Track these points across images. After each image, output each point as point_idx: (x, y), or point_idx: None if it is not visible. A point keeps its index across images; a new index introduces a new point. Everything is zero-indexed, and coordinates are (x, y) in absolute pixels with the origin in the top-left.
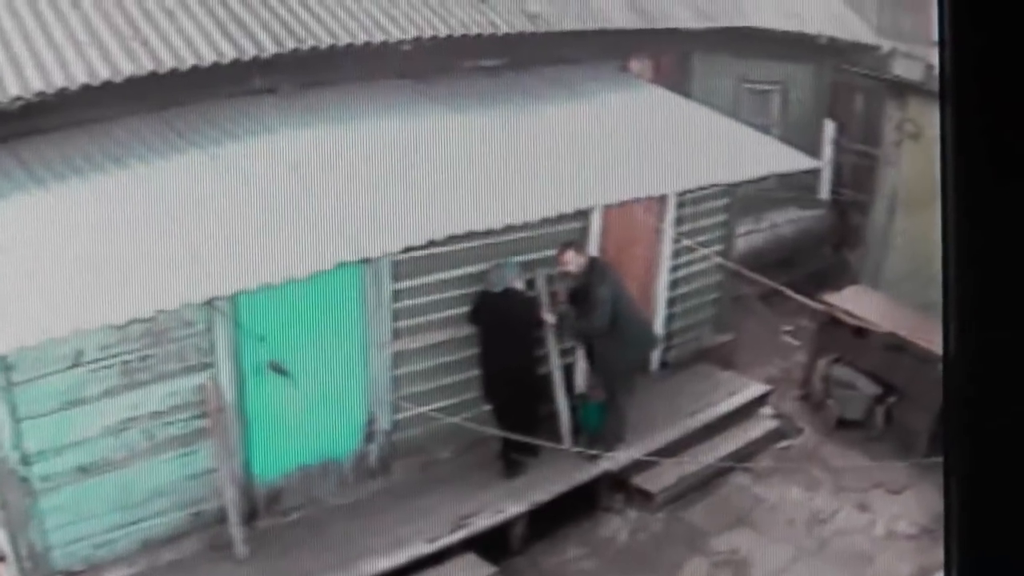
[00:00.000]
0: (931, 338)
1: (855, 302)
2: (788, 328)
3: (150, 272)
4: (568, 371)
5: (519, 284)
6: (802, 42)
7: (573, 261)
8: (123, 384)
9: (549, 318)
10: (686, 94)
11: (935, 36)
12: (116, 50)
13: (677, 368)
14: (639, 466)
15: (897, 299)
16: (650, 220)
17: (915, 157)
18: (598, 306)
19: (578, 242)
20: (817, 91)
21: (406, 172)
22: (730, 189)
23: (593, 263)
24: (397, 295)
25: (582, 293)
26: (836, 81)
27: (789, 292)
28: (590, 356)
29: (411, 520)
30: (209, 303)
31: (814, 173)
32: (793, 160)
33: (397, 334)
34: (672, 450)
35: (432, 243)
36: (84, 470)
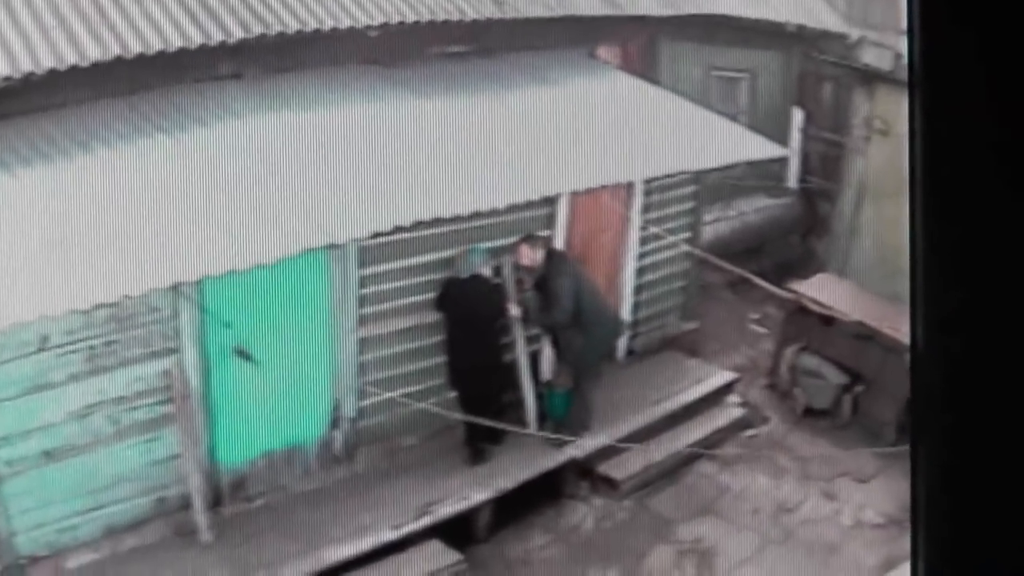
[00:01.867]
0: (899, 327)
1: (822, 291)
2: (755, 316)
3: (116, 257)
4: (534, 359)
5: (486, 271)
6: (770, 30)
7: (528, 255)
8: (88, 369)
9: (513, 308)
10: (654, 81)
11: (904, 25)
12: (83, 34)
13: (643, 356)
14: (605, 454)
15: (864, 288)
16: (617, 207)
17: (883, 147)
18: (559, 298)
19: (533, 236)
20: (785, 79)
21: (372, 158)
22: (698, 177)
23: (551, 255)
24: (364, 281)
25: (543, 285)
26: (804, 69)
27: (756, 280)
28: (556, 345)
29: (376, 507)
30: (175, 288)
31: (782, 161)
32: (761, 148)
33: (363, 320)
34: (638, 438)
35: (399, 229)
36: (49, 455)
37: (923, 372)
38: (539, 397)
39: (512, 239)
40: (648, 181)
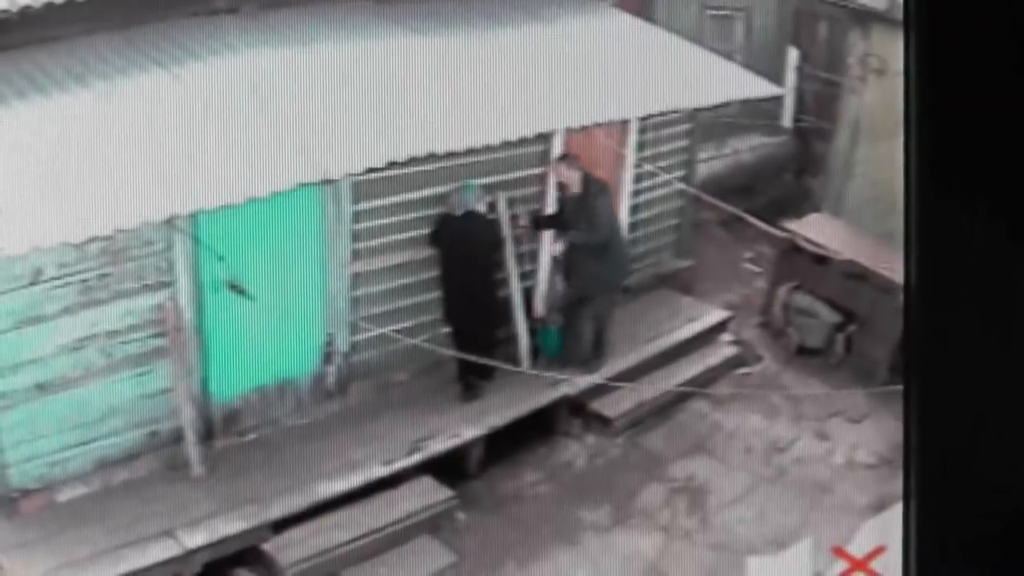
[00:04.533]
0: (892, 267)
1: (816, 230)
2: (749, 255)
3: (109, 190)
4: (528, 295)
5: (481, 207)
6: None
7: (565, 174)
8: (81, 302)
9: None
10: (649, 19)
11: None
12: None
13: (637, 293)
14: (597, 391)
15: (859, 227)
16: (612, 145)
17: (879, 87)
18: (599, 217)
19: (569, 156)
20: (781, 18)
21: (367, 93)
22: (692, 115)
23: (587, 177)
24: (357, 216)
25: (579, 206)
26: (800, 8)
27: (750, 219)
28: (567, 275)
29: (367, 442)
30: (169, 222)
31: (777, 100)
32: (756, 86)
33: (357, 255)
34: (631, 375)
35: (393, 164)
36: (41, 388)
37: (916, 312)
38: (532, 333)
39: (506, 176)
40: (643, 119)
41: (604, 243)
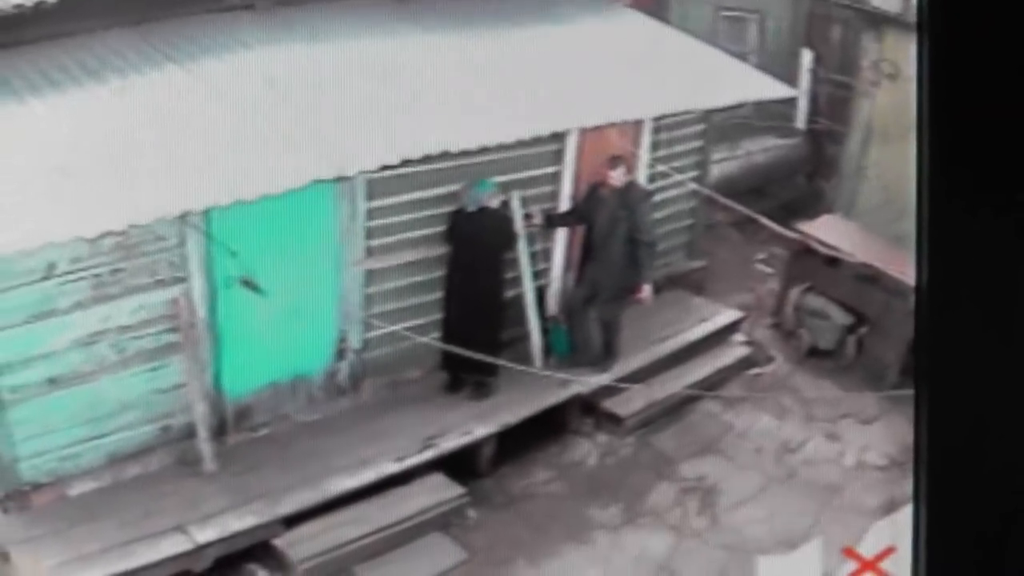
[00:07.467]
0: (904, 269)
1: (828, 231)
2: (761, 256)
3: (123, 186)
4: (540, 293)
5: (494, 203)
6: None
7: (617, 176)
8: (94, 297)
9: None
10: (663, 20)
11: None
12: None
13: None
14: (609, 390)
15: (870, 230)
16: (626, 145)
17: (891, 90)
18: (647, 219)
19: (617, 157)
20: (794, 20)
21: (382, 91)
22: (706, 116)
23: (632, 181)
24: (371, 213)
25: (629, 205)
26: (814, 10)
27: (763, 220)
28: (582, 272)
29: (379, 439)
30: (182, 218)
31: (790, 102)
32: (769, 88)
33: (370, 252)
34: (643, 375)
35: (407, 162)
36: (53, 382)
37: (927, 314)
38: (544, 332)
39: (519, 175)
40: (656, 119)
41: (654, 244)
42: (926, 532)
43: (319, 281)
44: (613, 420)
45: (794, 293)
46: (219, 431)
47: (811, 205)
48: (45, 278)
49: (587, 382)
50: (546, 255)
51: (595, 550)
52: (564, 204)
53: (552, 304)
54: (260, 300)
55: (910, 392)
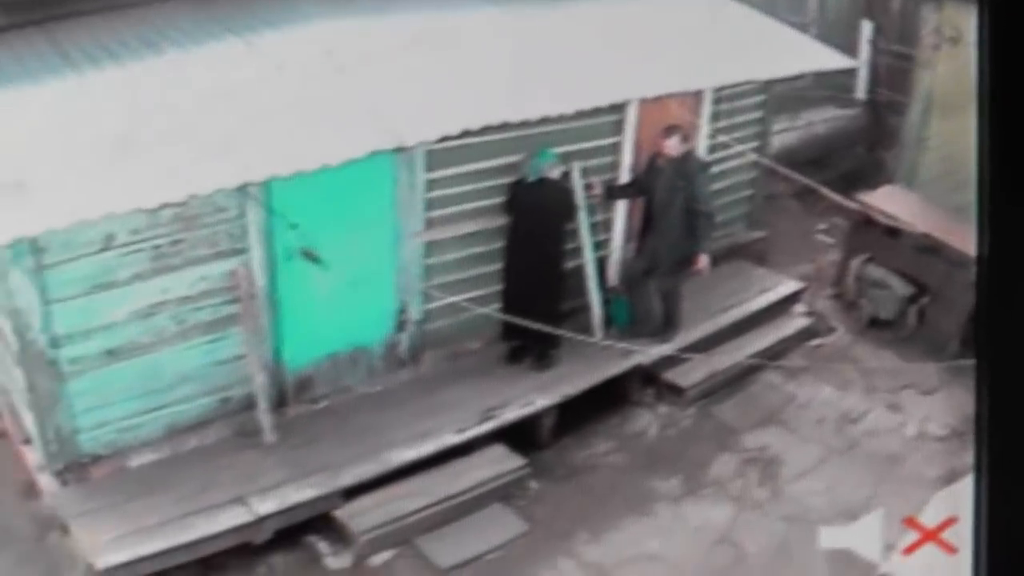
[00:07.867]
0: (964, 240)
1: (889, 202)
2: (822, 227)
3: (183, 157)
4: (601, 264)
5: (555, 174)
6: None
7: (674, 146)
8: (153, 268)
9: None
10: None
11: None
12: None
13: (711, 264)
14: (670, 361)
15: (931, 200)
16: (686, 116)
17: (952, 59)
18: (704, 188)
19: (674, 127)
20: None
21: (442, 62)
22: (766, 87)
23: (690, 151)
24: (430, 185)
25: (687, 175)
26: None
27: (823, 190)
28: (642, 243)
29: (440, 410)
30: (242, 189)
31: (850, 73)
32: (830, 59)
33: (430, 224)
34: (704, 346)
35: (467, 133)
36: (112, 354)
37: (988, 285)
38: (605, 303)
39: (580, 146)
40: (717, 90)
41: (711, 214)
42: (987, 503)
43: (379, 253)
44: (674, 391)
45: (855, 264)
46: (279, 403)
47: (871, 176)
48: (104, 249)
49: (648, 353)
50: (607, 226)
51: (656, 521)
52: (624, 175)
53: (613, 275)
54: (320, 272)
55: (971, 362)
